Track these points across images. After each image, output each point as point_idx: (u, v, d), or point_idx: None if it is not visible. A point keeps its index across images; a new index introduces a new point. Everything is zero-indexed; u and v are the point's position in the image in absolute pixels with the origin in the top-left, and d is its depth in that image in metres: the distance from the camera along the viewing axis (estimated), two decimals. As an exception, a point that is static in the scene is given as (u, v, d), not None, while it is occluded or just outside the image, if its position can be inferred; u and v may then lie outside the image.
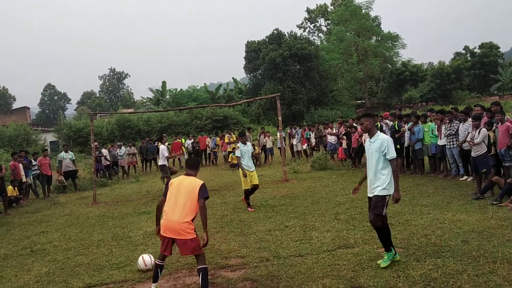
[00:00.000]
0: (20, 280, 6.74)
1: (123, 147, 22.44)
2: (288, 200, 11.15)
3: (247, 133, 22.98)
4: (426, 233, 7.03)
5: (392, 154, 5.75)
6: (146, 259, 6.59)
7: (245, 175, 10.37)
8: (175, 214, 5.32)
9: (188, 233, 5.25)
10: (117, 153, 21.70)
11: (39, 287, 6.34)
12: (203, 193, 5.40)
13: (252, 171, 10.57)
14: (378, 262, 5.81)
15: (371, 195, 5.94)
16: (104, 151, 21.30)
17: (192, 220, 5.35)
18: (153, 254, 7.38)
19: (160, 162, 14.40)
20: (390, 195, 5.82)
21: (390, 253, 5.79)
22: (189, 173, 5.70)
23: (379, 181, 5.82)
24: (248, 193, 10.59)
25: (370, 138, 5.98)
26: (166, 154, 14.26)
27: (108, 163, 21.07)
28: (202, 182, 5.51)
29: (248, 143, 11.07)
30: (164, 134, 26.62)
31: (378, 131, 6.05)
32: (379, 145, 5.81)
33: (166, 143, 16.44)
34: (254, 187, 10.64)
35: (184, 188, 5.46)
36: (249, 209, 10.32)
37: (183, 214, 5.30)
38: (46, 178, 17.01)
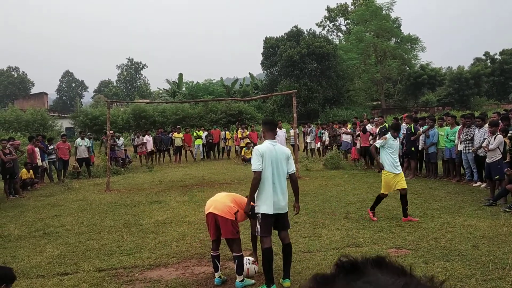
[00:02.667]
0: (32, 261, 6.87)
1: (121, 138, 21.90)
2: (299, 197, 11.15)
3: (262, 129, 23.05)
4: (436, 236, 7.01)
5: (252, 166, 5.38)
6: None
7: (381, 167, 8.46)
8: (220, 195, 5.81)
9: (229, 213, 5.46)
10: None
11: (51, 268, 6.46)
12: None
13: (398, 173, 8.38)
14: None
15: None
16: (147, 137, 22.29)
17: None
18: (162, 242, 7.47)
19: None
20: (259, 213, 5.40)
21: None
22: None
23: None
24: (380, 199, 8.59)
25: None
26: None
27: (152, 149, 22.37)
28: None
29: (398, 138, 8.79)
30: (178, 126, 26.85)
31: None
32: None
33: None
34: (403, 193, 8.43)
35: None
36: (374, 218, 8.47)
37: (229, 199, 5.64)
38: (63, 162, 17.24)
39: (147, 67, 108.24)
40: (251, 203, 5.51)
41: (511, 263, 5.62)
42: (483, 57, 62.77)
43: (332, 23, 71.65)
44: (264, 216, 5.33)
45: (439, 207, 9.21)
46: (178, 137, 23.02)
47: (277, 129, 22.22)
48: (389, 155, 8.33)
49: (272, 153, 5.38)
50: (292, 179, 5.55)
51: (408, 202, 9.89)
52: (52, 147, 17.21)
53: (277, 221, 5.45)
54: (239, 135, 22.64)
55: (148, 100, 62.96)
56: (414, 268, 5.61)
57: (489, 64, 60.25)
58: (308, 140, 21.21)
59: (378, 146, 8.46)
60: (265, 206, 5.33)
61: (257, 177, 5.28)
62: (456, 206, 9.26)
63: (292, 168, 5.53)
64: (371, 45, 51.31)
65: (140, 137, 23.34)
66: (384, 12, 53.08)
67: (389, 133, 8.66)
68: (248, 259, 5.78)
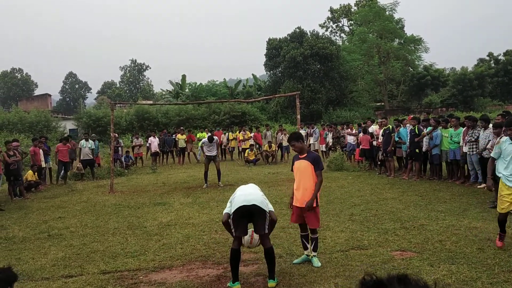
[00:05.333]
0: (37, 263, 6.88)
1: (96, 141, 19.93)
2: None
3: (265, 130, 23.04)
4: (441, 239, 6.98)
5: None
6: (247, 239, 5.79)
7: (490, 188, 6.96)
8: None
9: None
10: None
11: (55, 271, 6.46)
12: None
13: None
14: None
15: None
16: (152, 139, 22.52)
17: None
18: (167, 244, 7.47)
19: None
20: None
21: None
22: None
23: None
24: (503, 223, 6.53)
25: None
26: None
27: (157, 150, 22.54)
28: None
29: None
30: (182, 127, 26.87)
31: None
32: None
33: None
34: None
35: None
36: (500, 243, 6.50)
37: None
38: (63, 164, 17.21)
39: (150, 68, 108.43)
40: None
41: (517, 266, 5.59)
42: (487, 58, 62.64)
43: (335, 24, 71.69)
44: None
45: (444, 209, 9.17)
46: (181, 139, 23.06)
47: (266, 131, 22.48)
48: (502, 162, 6.60)
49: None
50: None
51: (412, 203, 9.91)
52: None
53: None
54: (241, 137, 22.63)
55: (151, 102, 63.12)
56: (420, 271, 5.59)
57: (493, 65, 60.12)
58: (311, 141, 21.19)
59: (496, 158, 6.72)
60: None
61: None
62: (461, 208, 9.23)
63: None
64: (374, 46, 51.24)
65: (139, 138, 23.38)
66: (387, 13, 53.02)
67: (506, 137, 6.69)
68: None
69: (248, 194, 5.66)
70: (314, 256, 6.16)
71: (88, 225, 9.47)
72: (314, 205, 6.14)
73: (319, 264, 6.05)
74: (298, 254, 6.57)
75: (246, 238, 5.69)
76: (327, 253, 6.55)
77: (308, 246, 6.26)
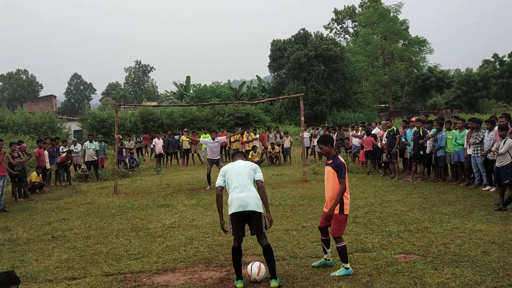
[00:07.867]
0: (40, 265, 6.89)
1: (78, 144, 19.73)
2: (307, 200, 11.14)
3: (267, 132, 23.03)
4: (445, 242, 6.95)
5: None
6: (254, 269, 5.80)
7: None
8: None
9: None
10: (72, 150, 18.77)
11: (59, 273, 6.47)
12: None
13: None
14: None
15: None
16: (156, 140, 22.87)
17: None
18: (170, 246, 7.46)
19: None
20: None
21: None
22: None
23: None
24: None
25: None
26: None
27: (161, 152, 22.76)
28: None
29: None
30: (186, 129, 26.88)
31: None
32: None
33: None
34: None
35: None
36: None
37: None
38: (63, 167, 17.39)
39: (154, 69, 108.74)
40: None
41: (521, 269, 5.55)
42: (492, 59, 62.48)
43: (340, 26, 71.73)
44: None
45: (448, 212, 9.13)
46: (185, 140, 23.06)
47: (268, 133, 22.44)
48: None
49: None
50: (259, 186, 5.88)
51: (417, 206, 9.86)
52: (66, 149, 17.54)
53: None
54: (244, 139, 22.61)
55: (155, 103, 63.28)
56: (424, 275, 5.56)
57: (498, 66, 59.95)
58: (315, 143, 21.15)
59: None
60: None
61: None
62: (465, 211, 9.18)
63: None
64: (379, 47, 51.24)
65: (131, 141, 23.34)
66: (391, 14, 52.98)
67: None
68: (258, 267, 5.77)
69: (243, 197, 5.61)
70: (343, 266, 5.82)
71: (91, 226, 9.48)
72: (337, 212, 5.82)
73: (337, 274, 5.74)
74: (301, 256, 6.55)
75: (253, 270, 5.71)
76: (331, 257, 6.52)
77: (328, 250, 6.14)
